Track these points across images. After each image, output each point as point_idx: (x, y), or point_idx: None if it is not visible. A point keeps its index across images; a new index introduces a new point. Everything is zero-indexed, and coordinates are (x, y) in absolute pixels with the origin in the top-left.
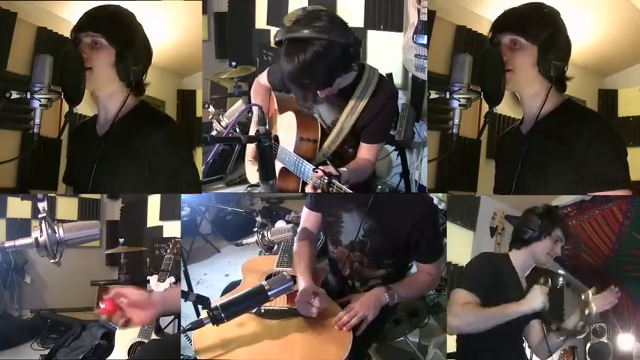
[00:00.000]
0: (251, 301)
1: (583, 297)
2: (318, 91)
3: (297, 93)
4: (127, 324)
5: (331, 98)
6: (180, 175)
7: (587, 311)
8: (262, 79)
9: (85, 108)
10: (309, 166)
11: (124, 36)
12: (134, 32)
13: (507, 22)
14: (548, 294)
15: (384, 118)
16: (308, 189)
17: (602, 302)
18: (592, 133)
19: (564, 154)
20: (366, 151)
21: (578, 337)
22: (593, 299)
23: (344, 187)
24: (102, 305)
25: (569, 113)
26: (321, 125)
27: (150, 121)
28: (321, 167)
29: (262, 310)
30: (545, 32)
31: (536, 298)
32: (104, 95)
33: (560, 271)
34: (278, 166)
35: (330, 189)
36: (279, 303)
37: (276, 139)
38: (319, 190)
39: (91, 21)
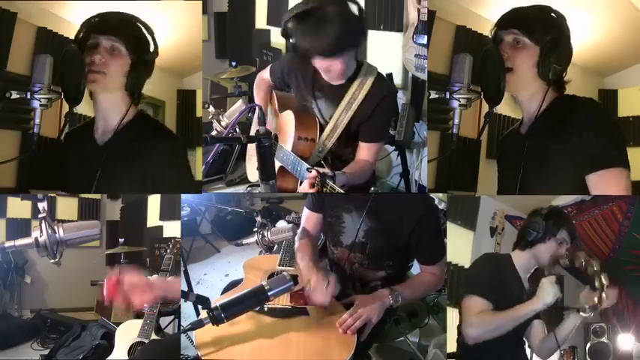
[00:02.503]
0: (251, 301)
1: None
2: (335, 62)
3: (320, 65)
4: (128, 307)
5: (329, 93)
6: (179, 184)
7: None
8: (265, 74)
9: (85, 108)
10: (305, 166)
11: (141, 48)
12: (150, 47)
13: (513, 19)
14: (557, 284)
15: (381, 115)
16: (304, 187)
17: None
18: (584, 120)
19: (562, 146)
20: (364, 152)
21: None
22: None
23: (337, 188)
24: (105, 291)
25: (562, 106)
26: (320, 123)
27: (155, 134)
28: (315, 168)
29: (265, 309)
30: (549, 35)
31: (548, 293)
32: (107, 102)
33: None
34: (276, 165)
35: (325, 189)
36: (282, 302)
37: (276, 138)
38: (315, 189)
39: (112, 25)
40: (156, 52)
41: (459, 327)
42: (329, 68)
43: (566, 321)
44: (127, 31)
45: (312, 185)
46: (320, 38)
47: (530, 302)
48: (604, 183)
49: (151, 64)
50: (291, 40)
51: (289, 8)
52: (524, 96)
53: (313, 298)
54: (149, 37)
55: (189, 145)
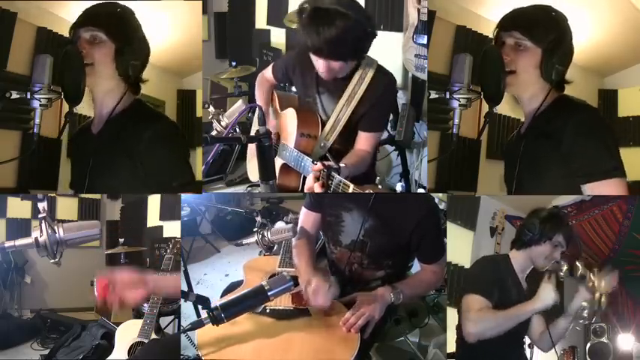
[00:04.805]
0: (251, 301)
1: (585, 286)
2: (332, 63)
3: (316, 63)
4: (122, 305)
5: (332, 87)
6: (173, 174)
7: (592, 295)
8: (267, 72)
9: (85, 108)
10: (310, 160)
11: (122, 31)
12: (133, 28)
13: (514, 21)
14: (557, 289)
15: (382, 105)
16: (309, 181)
17: (604, 285)
18: (577, 125)
19: (553, 149)
20: (363, 141)
21: (584, 320)
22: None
23: (343, 180)
24: (96, 292)
25: (557, 108)
26: (321, 118)
27: (143, 119)
28: (320, 161)
29: (267, 310)
30: (551, 35)
31: (549, 295)
32: (101, 92)
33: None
34: (278, 162)
35: (330, 182)
36: (284, 303)
37: (278, 137)
38: (320, 182)
39: (89, 17)
40: (140, 33)
41: (459, 327)
42: (326, 69)
43: (558, 322)
44: (104, 18)
45: (317, 178)
46: (326, 40)
47: (530, 302)
48: (601, 193)
49: (137, 45)
50: (294, 27)
51: None
52: (525, 96)
53: (314, 301)
54: (130, 19)
55: (189, 143)
